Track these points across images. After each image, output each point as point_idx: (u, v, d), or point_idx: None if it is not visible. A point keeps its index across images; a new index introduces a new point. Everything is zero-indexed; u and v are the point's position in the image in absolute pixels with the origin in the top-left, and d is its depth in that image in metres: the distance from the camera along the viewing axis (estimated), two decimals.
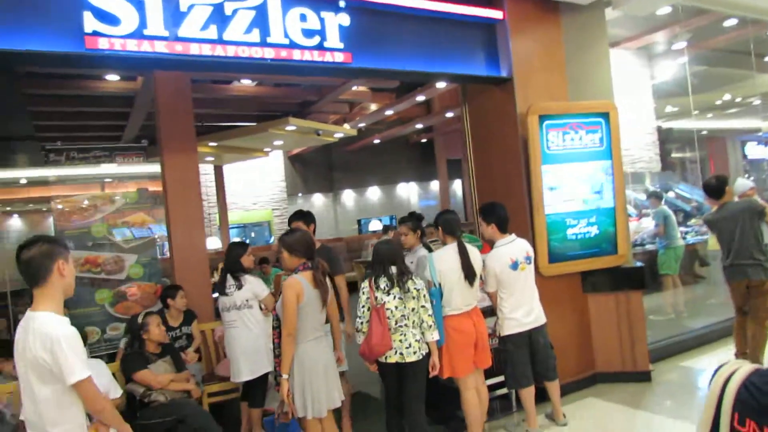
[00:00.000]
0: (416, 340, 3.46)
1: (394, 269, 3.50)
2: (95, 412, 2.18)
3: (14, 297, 7.94)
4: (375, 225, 15.18)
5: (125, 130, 8.97)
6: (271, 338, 3.38)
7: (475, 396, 3.76)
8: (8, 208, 12.83)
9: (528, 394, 4.00)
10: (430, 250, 4.25)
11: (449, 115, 12.73)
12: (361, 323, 3.50)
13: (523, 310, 3.96)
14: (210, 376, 4.96)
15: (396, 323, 3.44)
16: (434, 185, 17.55)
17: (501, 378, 4.27)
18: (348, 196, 17.69)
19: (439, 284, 3.69)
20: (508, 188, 4.86)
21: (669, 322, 6.42)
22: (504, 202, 4.20)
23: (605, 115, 4.84)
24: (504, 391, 4.47)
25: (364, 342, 3.46)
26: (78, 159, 4.86)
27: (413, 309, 3.48)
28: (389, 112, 11.69)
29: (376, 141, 15.48)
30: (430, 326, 3.49)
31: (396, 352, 3.43)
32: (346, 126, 11.06)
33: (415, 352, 3.44)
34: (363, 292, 3.54)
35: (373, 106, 12.80)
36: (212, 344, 5.15)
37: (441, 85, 9.55)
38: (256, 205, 15.80)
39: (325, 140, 10.27)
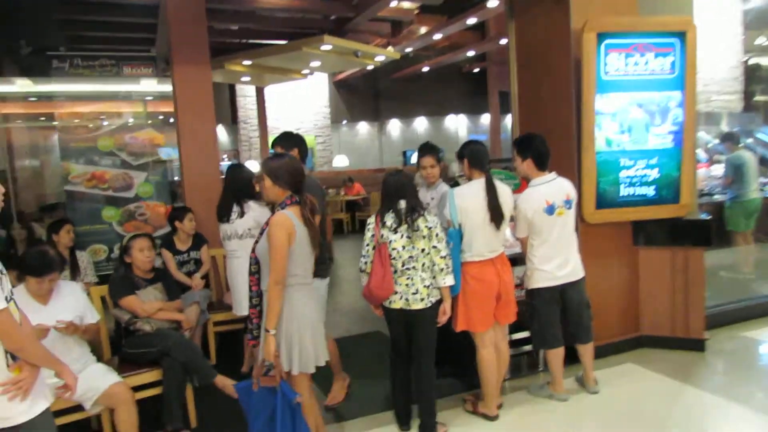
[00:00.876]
0: (425, 286, 3.00)
1: (403, 204, 3.01)
2: (14, 350, 1.85)
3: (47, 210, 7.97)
4: None
5: (156, 44, 8.57)
6: None
7: (492, 353, 3.31)
8: (54, 123, 12.92)
9: (555, 355, 3.52)
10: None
11: (504, 41, 11.67)
12: (365, 263, 3.07)
13: (557, 262, 3.40)
14: (219, 303, 4.73)
15: (402, 265, 2.98)
16: (485, 119, 16.60)
17: (528, 333, 3.79)
18: (394, 126, 17.01)
19: (460, 225, 3.17)
20: (555, 120, 4.17)
21: (735, 282, 5.69)
22: (549, 136, 3.55)
23: (681, 36, 4.00)
24: (530, 347, 4.02)
25: (366, 284, 3.04)
26: (83, 67, 4.47)
27: (423, 250, 2.99)
28: (438, 36, 10.78)
29: (425, 69, 14.56)
30: (443, 270, 3.00)
31: (401, 297, 2.99)
32: (390, 49, 10.27)
33: (422, 299, 2.99)
34: (368, 229, 3.08)
35: (422, 30, 11.89)
36: (223, 271, 4.89)
37: (493, 4, 8.59)
38: (299, 131, 15.37)
39: (366, 63, 9.58)
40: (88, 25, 8.34)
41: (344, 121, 16.56)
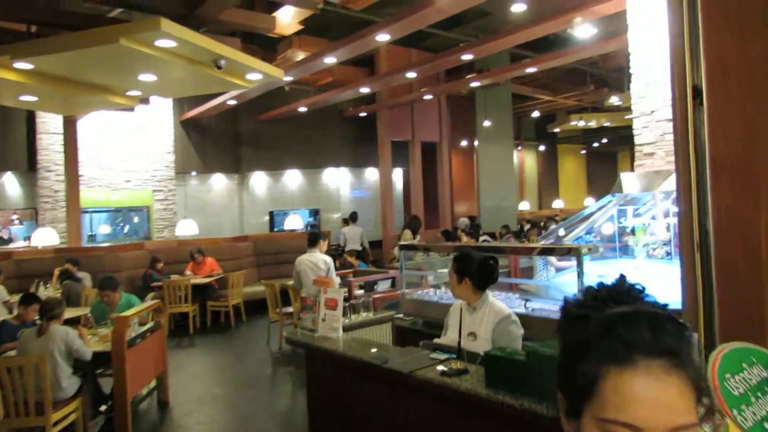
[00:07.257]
0: None
1: None
2: None
3: None
4: (294, 221, 11.39)
5: None
6: None
7: None
8: None
9: None
10: None
11: (410, 74, 9.31)
12: None
13: None
14: None
15: None
16: (370, 173, 14.10)
17: None
18: (259, 180, 13.78)
19: None
20: None
21: None
22: None
23: None
24: None
25: None
26: None
27: None
28: (329, 59, 8.06)
29: (302, 109, 11.76)
30: None
31: None
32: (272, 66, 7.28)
33: None
34: None
35: (301, 55, 9.20)
36: None
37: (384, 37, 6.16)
38: (129, 183, 11.51)
39: (232, 84, 6.42)
40: None
41: (194, 172, 12.99)
